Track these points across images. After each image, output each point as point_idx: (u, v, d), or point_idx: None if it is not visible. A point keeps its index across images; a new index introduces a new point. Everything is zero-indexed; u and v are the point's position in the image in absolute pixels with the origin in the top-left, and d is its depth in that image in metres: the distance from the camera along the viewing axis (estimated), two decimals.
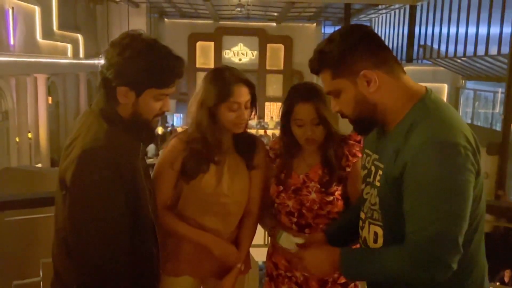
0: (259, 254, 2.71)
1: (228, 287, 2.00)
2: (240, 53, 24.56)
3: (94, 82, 17.48)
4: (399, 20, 22.04)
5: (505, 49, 12.23)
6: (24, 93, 12.98)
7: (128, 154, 1.59)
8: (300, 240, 1.79)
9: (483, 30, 13.84)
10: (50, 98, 15.33)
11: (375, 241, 1.49)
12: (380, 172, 1.44)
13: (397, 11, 22.04)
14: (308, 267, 1.56)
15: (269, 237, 2.18)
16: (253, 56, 24.60)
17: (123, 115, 1.60)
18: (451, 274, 1.30)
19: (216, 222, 2.03)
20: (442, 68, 17.28)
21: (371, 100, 1.43)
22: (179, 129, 12.83)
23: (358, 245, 1.65)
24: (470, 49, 14.62)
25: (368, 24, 18.82)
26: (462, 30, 15.28)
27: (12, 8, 12.69)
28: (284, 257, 2.06)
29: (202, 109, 1.97)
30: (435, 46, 17.73)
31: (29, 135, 13.47)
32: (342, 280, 2.04)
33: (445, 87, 17.63)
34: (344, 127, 1.89)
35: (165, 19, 24.57)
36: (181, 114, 21.83)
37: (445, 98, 16.43)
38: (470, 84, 17.03)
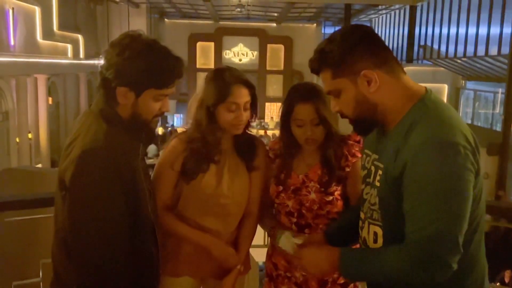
0: (259, 255, 2.70)
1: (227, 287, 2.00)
2: (240, 54, 24.59)
3: (95, 83, 17.44)
4: (399, 21, 22.06)
5: (505, 50, 12.23)
6: (24, 94, 12.98)
7: (128, 154, 1.58)
8: (299, 241, 1.79)
9: (483, 30, 13.85)
10: (50, 99, 15.33)
11: (375, 241, 1.49)
12: (380, 172, 1.44)
13: (397, 11, 22.05)
14: (307, 266, 1.56)
15: (269, 238, 2.18)
16: (253, 56, 24.62)
17: (122, 115, 1.60)
18: (451, 274, 1.30)
19: (216, 223, 2.03)
20: (442, 68, 17.29)
21: (372, 100, 1.43)
22: (179, 130, 12.84)
23: (358, 245, 1.65)
24: (470, 50, 14.63)
25: (368, 24, 18.77)
26: (462, 30, 15.29)
27: (12, 8, 12.69)
28: (283, 257, 2.06)
29: (201, 109, 1.97)
30: (435, 46, 17.74)
31: (29, 135, 13.47)
32: (342, 280, 2.04)
33: (445, 88, 17.63)
34: (344, 127, 1.89)
35: (165, 20, 24.59)
36: (181, 115, 21.85)
37: (445, 99, 16.44)
38: (470, 85, 17.03)
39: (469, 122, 15.98)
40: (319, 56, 1.46)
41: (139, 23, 19.23)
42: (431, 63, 18.07)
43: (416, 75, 13.07)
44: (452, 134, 1.32)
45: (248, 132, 2.08)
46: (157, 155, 13.43)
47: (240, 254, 2.06)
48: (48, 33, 14.90)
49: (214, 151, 1.99)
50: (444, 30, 16.71)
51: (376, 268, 1.38)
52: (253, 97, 1.99)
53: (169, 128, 20.26)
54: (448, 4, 16.46)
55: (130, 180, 1.57)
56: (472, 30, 14.54)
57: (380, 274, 1.39)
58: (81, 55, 17.65)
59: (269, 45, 24.39)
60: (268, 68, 24.49)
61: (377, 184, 1.45)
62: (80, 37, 17.72)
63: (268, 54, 24.49)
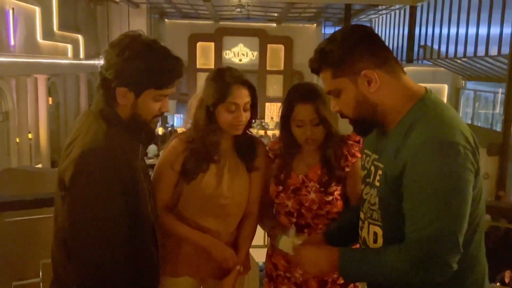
0: (259, 255, 2.70)
1: None
2: (240, 54, 24.59)
3: (95, 83, 17.37)
4: (399, 21, 22.06)
5: (505, 50, 12.23)
6: (25, 94, 12.98)
7: (128, 154, 1.58)
8: (299, 241, 1.78)
9: (483, 30, 13.85)
10: (50, 99, 15.33)
11: (375, 241, 1.49)
12: (380, 172, 1.44)
13: (397, 11, 22.05)
14: (307, 266, 1.55)
15: (269, 238, 2.18)
16: (253, 56, 24.63)
17: (122, 115, 1.60)
18: (451, 274, 1.30)
19: (216, 223, 2.03)
20: (442, 68, 17.28)
21: (372, 100, 1.43)
22: (179, 130, 12.84)
23: (358, 246, 1.65)
24: (470, 50, 14.64)
25: (368, 24, 18.83)
26: (462, 30, 15.30)
27: (13, 8, 12.69)
28: (283, 257, 2.06)
29: (201, 109, 1.97)
30: (435, 46, 17.74)
31: (30, 135, 13.47)
32: (342, 280, 2.03)
33: (446, 88, 17.63)
34: (344, 127, 1.89)
35: (166, 20, 24.59)
36: (181, 115, 21.83)
37: (445, 99, 16.44)
38: (470, 85, 17.02)
39: (469, 122, 15.97)
40: (319, 56, 1.46)
41: (139, 23, 19.23)
42: (431, 63, 18.07)
43: (416, 75, 13.07)
44: (452, 134, 1.32)
45: (248, 132, 2.08)
46: (157, 155, 13.43)
47: (240, 254, 2.06)
48: (48, 33, 14.90)
49: (213, 151, 1.99)
50: (444, 30, 16.72)
51: (376, 268, 1.38)
52: (253, 98, 1.99)
53: (169, 128, 20.26)
54: (448, 4, 16.46)
55: (130, 180, 1.57)
56: (472, 30, 14.55)
57: (380, 274, 1.38)
58: (81, 55, 17.66)
59: (269, 45, 24.40)
60: (268, 68, 24.50)
61: (377, 184, 1.45)
62: (80, 37, 17.72)
63: (268, 54, 24.49)
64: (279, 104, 2.05)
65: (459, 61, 15.76)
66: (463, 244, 1.29)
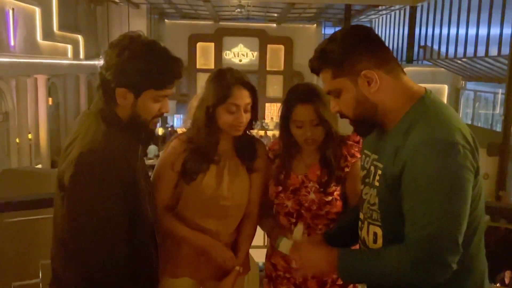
0: (259, 255, 2.70)
1: None
2: (240, 54, 24.60)
3: (95, 83, 17.40)
4: (399, 21, 22.07)
5: (505, 50, 12.24)
6: (24, 94, 12.99)
7: (127, 155, 1.58)
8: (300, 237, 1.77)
9: (483, 31, 13.86)
10: (50, 99, 15.33)
11: (375, 241, 1.48)
12: (379, 172, 1.44)
13: (397, 12, 22.06)
14: (306, 264, 1.55)
15: (268, 239, 2.18)
16: (253, 57, 24.64)
17: (122, 116, 1.60)
18: (451, 274, 1.29)
19: (215, 224, 2.03)
20: (442, 69, 17.30)
21: (372, 100, 1.43)
22: (179, 130, 12.83)
23: (358, 246, 1.65)
24: (470, 50, 14.64)
25: (369, 25, 18.81)
26: (462, 31, 15.30)
27: (13, 9, 12.70)
28: (283, 258, 2.06)
29: (201, 109, 1.97)
30: (435, 47, 17.75)
31: (29, 136, 13.48)
32: (341, 281, 2.03)
33: (446, 88, 17.64)
34: (344, 127, 1.89)
35: (166, 20, 24.60)
36: (181, 115, 21.84)
37: (445, 99, 16.45)
38: (470, 85, 17.04)
39: (469, 122, 15.99)
40: (319, 55, 1.46)
41: (139, 24, 19.23)
42: (431, 63, 18.08)
43: (416, 75, 13.09)
44: (452, 134, 1.32)
45: (248, 133, 2.08)
46: (157, 156, 13.44)
47: (240, 255, 2.06)
48: (48, 34, 14.91)
49: (213, 151, 1.99)
50: (444, 31, 16.72)
51: (376, 268, 1.37)
52: (254, 99, 1.98)
53: (169, 129, 20.26)
54: (448, 4, 16.47)
55: (129, 181, 1.56)
56: (472, 31, 14.56)
57: (379, 275, 1.38)
58: (81, 55, 17.67)
59: (269, 46, 24.41)
60: (268, 68, 24.50)
61: (377, 184, 1.45)
62: (80, 38, 17.73)
63: (268, 54, 24.50)
64: (279, 105, 2.05)
65: (459, 61, 15.77)
66: (463, 244, 1.29)
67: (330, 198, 1.98)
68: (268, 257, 2.17)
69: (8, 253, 3.20)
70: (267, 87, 24.07)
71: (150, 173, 1.93)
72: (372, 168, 1.50)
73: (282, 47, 24.45)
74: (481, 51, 13.94)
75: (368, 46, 1.42)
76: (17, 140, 13.03)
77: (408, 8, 19.44)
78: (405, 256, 1.31)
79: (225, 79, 1.93)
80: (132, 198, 1.57)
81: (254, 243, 2.17)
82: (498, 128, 13.59)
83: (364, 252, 1.52)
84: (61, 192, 1.53)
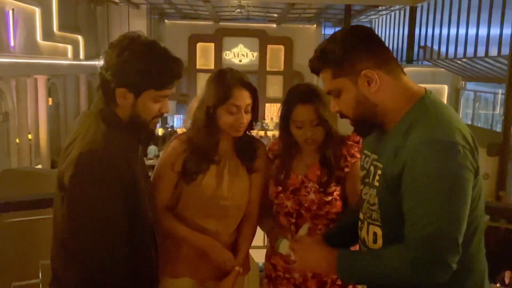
0: (259, 256, 2.70)
1: None
2: (240, 54, 24.60)
3: (95, 84, 17.39)
4: (399, 21, 22.07)
5: (505, 50, 12.24)
6: (24, 94, 12.99)
7: (127, 155, 1.58)
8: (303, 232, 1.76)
9: (483, 31, 13.86)
10: (50, 99, 15.33)
11: (375, 241, 1.48)
12: (379, 172, 1.44)
13: (397, 12, 22.06)
14: (305, 262, 1.55)
15: (268, 239, 2.18)
16: (253, 57, 24.64)
17: (121, 116, 1.60)
18: (451, 274, 1.29)
19: (215, 224, 2.03)
20: (442, 69, 17.30)
21: (372, 100, 1.43)
22: (179, 130, 12.83)
23: (357, 246, 1.65)
24: (470, 50, 14.64)
25: (369, 25, 18.86)
26: (462, 31, 15.30)
27: (13, 9, 12.71)
28: (282, 258, 2.05)
29: (201, 110, 1.97)
30: (435, 47, 17.75)
31: (29, 136, 13.48)
32: (341, 281, 2.03)
33: (445, 88, 17.64)
34: (344, 127, 1.89)
35: (166, 20, 24.60)
36: (181, 116, 21.83)
37: (445, 99, 16.45)
38: (470, 85, 17.04)
39: (469, 123, 16.00)
40: (319, 55, 1.46)
41: (139, 24, 19.22)
42: (431, 64, 18.08)
43: (416, 76, 13.09)
44: (451, 134, 1.32)
45: (248, 133, 2.08)
46: (157, 156, 13.44)
47: (240, 255, 2.06)
48: (48, 34, 14.91)
49: (213, 151, 1.99)
50: (444, 31, 16.72)
51: (375, 269, 1.37)
52: (254, 99, 1.98)
53: (169, 129, 20.27)
54: (448, 5, 16.47)
55: (129, 181, 1.56)
56: (472, 31, 14.56)
57: (379, 275, 1.38)
58: (81, 56, 17.66)
59: (269, 46, 24.40)
60: (268, 69, 24.50)
61: (376, 184, 1.45)
62: (80, 38, 17.73)
63: (268, 55, 24.50)
64: (279, 105, 2.05)
65: (459, 61, 15.77)
66: (462, 244, 1.29)
67: (330, 198, 1.98)
68: (268, 257, 2.17)
69: (8, 253, 3.20)
70: (267, 87, 24.06)
71: (150, 173, 1.93)
72: (372, 168, 1.50)
73: (282, 47, 24.45)
74: (481, 51, 13.94)
75: (368, 46, 1.42)
76: (17, 140, 13.02)
77: (408, 8, 19.43)
78: (405, 256, 1.31)
79: (226, 79, 1.93)
80: (132, 198, 1.57)
81: (254, 243, 2.17)
82: (498, 128, 13.60)
83: (364, 253, 1.52)
84: (61, 192, 1.53)
